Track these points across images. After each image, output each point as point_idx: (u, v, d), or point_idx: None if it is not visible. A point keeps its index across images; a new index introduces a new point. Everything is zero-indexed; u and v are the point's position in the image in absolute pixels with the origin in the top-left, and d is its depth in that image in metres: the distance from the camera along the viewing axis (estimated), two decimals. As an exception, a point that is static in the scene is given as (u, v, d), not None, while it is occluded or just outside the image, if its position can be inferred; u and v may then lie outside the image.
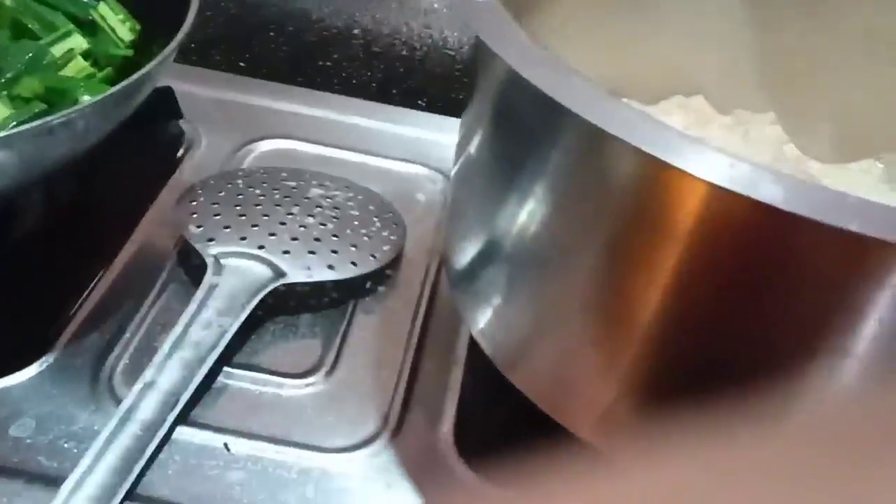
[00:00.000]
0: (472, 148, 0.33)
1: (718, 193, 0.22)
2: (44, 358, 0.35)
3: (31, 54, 0.39)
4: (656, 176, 0.24)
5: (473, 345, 0.40)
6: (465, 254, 0.34)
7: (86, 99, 0.36)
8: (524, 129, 0.28)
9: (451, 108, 0.57)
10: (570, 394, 0.32)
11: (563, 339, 0.30)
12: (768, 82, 0.41)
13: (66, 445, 0.33)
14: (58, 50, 0.40)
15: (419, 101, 0.58)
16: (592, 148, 0.25)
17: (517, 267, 0.31)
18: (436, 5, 0.56)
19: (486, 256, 0.33)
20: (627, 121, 0.23)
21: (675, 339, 0.27)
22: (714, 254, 0.24)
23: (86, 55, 0.40)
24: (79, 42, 0.40)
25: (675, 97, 0.41)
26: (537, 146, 0.27)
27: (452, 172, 0.37)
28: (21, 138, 0.30)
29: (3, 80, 0.38)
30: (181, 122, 0.49)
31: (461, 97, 0.58)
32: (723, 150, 0.22)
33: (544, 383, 0.32)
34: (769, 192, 0.21)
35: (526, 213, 0.29)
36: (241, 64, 0.59)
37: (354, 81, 0.58)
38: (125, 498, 0.31)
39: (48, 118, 0.30)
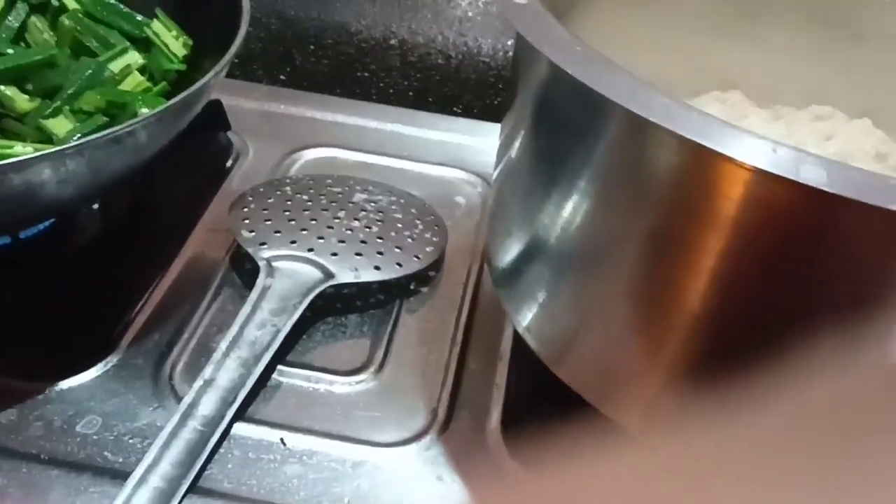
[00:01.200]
0: (515, 148, 0.34)
1: (762, 177, 0.23)
2: (107, 359, 0.37)
3: (90, 70, 0.40)
4: (700, 162, 0.24)
5: (517, 341, 0.41)
6: (509, 253, 0.35)
7: (145, 111, 0.38)
8: (567, 125, 0.29)
9: (486, 113, 0.58)
10: (616, 385, 0.32)
11: (609, 331, 0.31)
12: (807, 78, 0.42)
13: (130, 441, 0.34)
14: (116, 66, 0.41)
15: (455, 108, 0.60)
16: (635, 138, 0.26)
17: (562, 262, 0.32)
18: (469, 14, 0.58)
19: (530, 254, 0.34)
20: (669, 109, 0.24)
21: (722, 324, 0.27)
22: (759, 238, 0.25)
23: (142, 70, 0.42)
24: (135, 58, 0.42)
25: (712, 92, 0.41)
26: (581, 140, 0.28)
27: (494, 174, 0.38)
28: (91, 147, 0.31)
29: (65, 96, 0.40)
30: (229, 133, 0.51)
31: (496, 102, 0.60)
32: (764, 135, 0.23)
33: (591, 376, 0.33)
34: (812, 175, 0.22)
35: (570, 208, 0.30)
36: (282, 77, 0.61)
37: (392, 91, 0.60)
38: (188, 490, 0.32)
39: (115, 128, 0.32)
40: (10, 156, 0.34)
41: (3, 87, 0.41)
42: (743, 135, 0.23)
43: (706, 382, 0.29)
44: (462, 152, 0.53)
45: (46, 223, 0.41)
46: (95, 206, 0.45)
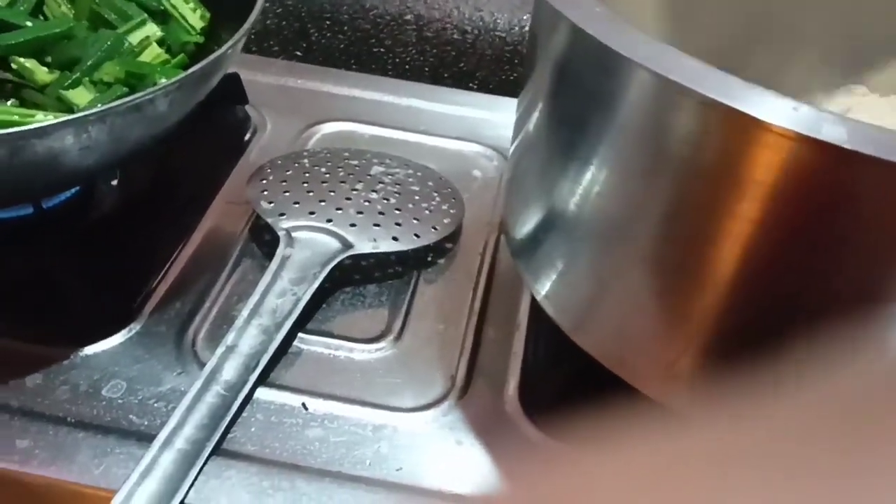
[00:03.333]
0: (533, 118, 0.34)
1: (783, 136, 0.23)
2: (131, 325, 0.38)
3: (109, 42, 0.41)
4: (721, 122, 0.24)
5: (534, 311, 0.41)
6: (527, 223, 0.35)
7: (164, 82, 0.38)
8: (587, 89, 0.29)
9: (502, 88, 0.58)
10: (635, 351, 0.32)
11: (629, 297, 0.31)
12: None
13: (155, 405, 0.35)
14: (134, 38, 0.42)
15: (471, 84, 0.60)
16: (656, 99, 0.26)
17: (581, 229, 0.32)
18: (486, -11, 0.58)
19: (549, 223, 0.34)
20: (691, 69, 0.24)
21: (742, 287, 0.27)
22: (781, 201, 0.25)
23: (160, 42, 0.43)
24: (153, 30, 0.43)
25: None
26: (601, 104, 0.28)
27: (512, 145, 0.38)
28: (112, 115, 0.32)
29: (85, 67, 0.40)
30: (247, 107, 0.51)
31: (512, 77, 0.59)
32: (784, 95, 0.23)
33: (610, 342, 0.33)
34: (832, 133, 0.22)
35: (590, 175, 0.30)
36: (298, 53, 0.61)
37: (408, 66, 0.60)
38: (212, 453, 0.33)
39: (137, 96, 0.32)
40: (31, 123, 0.34)
41: (22, 60, 0.41)
42: (765, 94, 0.23)
43: (726, 347, 0.29)
44: (478, 126, 0.53)
45: (68, 193, 0.42)
46: (115, 181, 0.45)
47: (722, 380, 0.30)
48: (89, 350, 0.36)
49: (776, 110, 0.23)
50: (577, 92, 0.30)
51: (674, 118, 0.26)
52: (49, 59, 0.42)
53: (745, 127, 0.24)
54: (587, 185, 0.31)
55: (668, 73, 0.24)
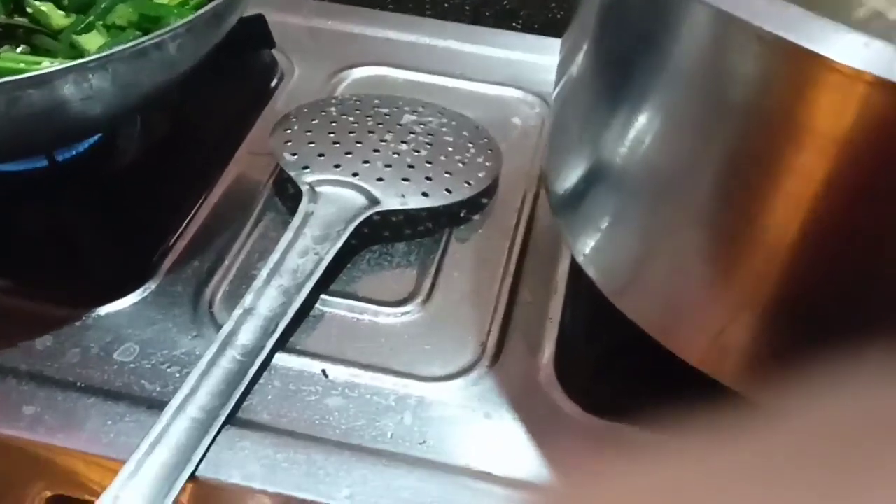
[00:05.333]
0: (577, 62, 0.31)
1: (851, 77, 0.19)
2: (146, 285, 0.36)
3: (123, -17, 0.38)
4: (780, 60, 0.21)
5: (573, 274, 0.38)
6: (570, 177, 0.32)
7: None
8: (636, 26, 0.26)
9: (548, 28, 0.54)
10: (682, 318, 0.30)
11: (678, 259, 0.28)
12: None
13: (168, 370, 0.33)
14: (149, -22, 0.39)
15: (514, 24, 0.56)
16: (714, 37, 0.23)
17: (629, 185, 0.29)
18: (531, -79, 0.53)
19: (594, 177, 0.31)
20: (747, 1, 0.20)
21: (803, 251, 0.24)
22: (850, 151, 0.21)
23: (177, -17, 0.40)
24: (169, -30, 0.40)
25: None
26: (651, 43, 0.25)
27: (554, 93, 0.35)
28: (115, 61, 0.30)
29: (98, 11, 0.38)
30: (273, 51, 0.49)
31: (559, 16, 0.55)
32: (856, 30, 0.19)
33: (655, 308, 0.30)
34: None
35: (639, 123, 0.27)
36: (331, -8, 0.58)
37: (447, 5, 0.56)
38: (226, 421, 0.31)
39: (141, 40, 0.30)
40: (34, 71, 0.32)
41: (38, 3, 0.40)
42: (832, 28, 0.20)
43: (781, 317, 0.26)
44: (520, 70, 0.49)
45: (84, 144, 0.40)
46: (134, 131, 0.43)
47: (775, 353, 0.28)
48: (102, 311, 0.35)
49: (844, 47, 0.19)
50: (625, 30, 0.27)
51: (730, 57, 0.22)
52: (66, 2, 0.40)
53: (808, 66, 0.20)
54: (636, 134, 0.27)
55: (721, 4, 0.20)
